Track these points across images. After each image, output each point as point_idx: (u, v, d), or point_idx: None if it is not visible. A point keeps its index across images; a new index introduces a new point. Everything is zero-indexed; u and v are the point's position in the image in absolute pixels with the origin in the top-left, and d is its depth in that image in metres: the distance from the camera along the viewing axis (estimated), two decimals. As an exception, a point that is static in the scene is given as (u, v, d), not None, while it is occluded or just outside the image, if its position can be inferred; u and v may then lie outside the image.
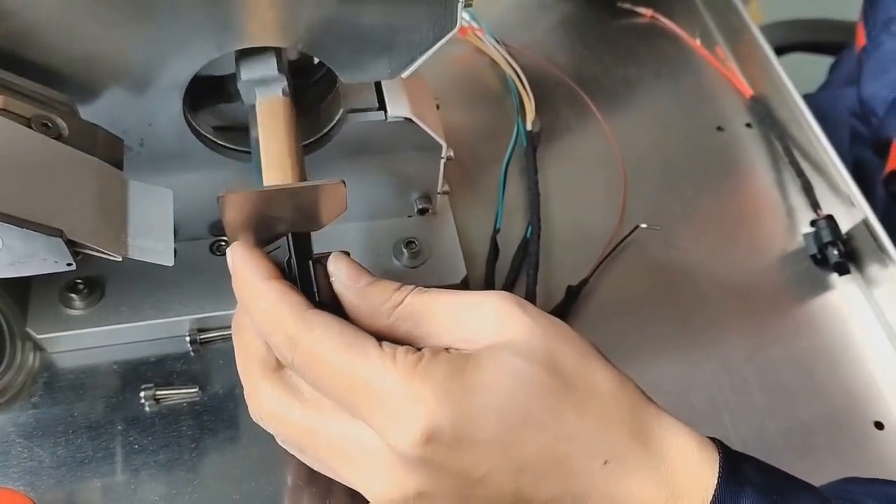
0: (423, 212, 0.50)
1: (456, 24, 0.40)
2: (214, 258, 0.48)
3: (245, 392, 0.34)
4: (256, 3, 0.37)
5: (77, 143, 0.37)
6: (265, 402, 0.33)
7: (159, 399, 0.45)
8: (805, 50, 0.95)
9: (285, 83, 0.40)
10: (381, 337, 0.32)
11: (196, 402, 0.45)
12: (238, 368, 0.34)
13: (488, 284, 0.51)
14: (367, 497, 0.31)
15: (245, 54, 0.41)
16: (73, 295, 0.45)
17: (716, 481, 0.31)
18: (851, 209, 0.56)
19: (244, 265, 0.33)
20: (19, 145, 0.35)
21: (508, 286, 0.51)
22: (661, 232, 0.54)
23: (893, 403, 0.49)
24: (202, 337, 0.46)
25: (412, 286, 0.33)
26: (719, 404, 0.48)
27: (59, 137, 0.36)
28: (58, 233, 0.34)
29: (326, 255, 0.35)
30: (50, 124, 0.36)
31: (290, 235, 0.35)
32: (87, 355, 0.46)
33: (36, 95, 0.36)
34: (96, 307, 0.46)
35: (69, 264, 0.36)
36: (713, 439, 0.32)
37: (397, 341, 0.32)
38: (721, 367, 0.50)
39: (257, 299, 0.32)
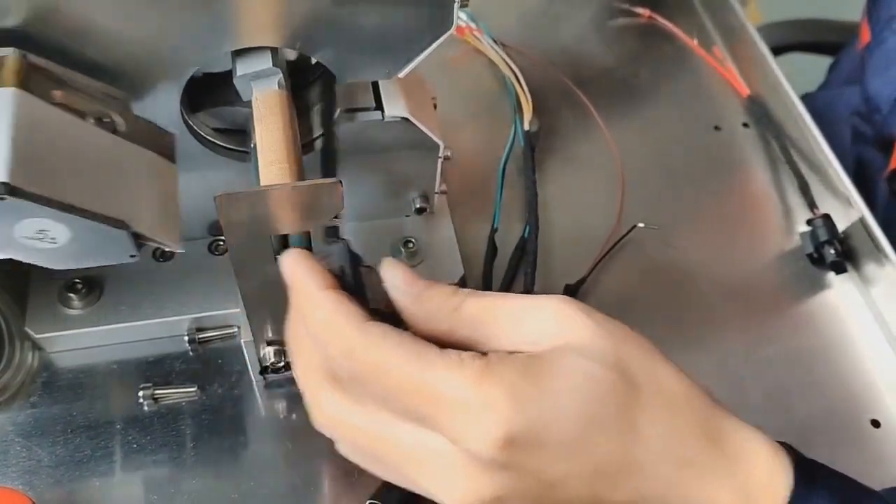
0: (420, 211, 0.50)
1: (452, 23, 0.40)
2: (213, 258, 0.48)
3: (306, 400, 0.33)
4: (254, 3, 0.38)
5: (131, 138, 0.37)
6: (328, 409, 0.32)
7: (158, 398, 0.45)
8: (803, 50, 0.95)
9: (281, 76, 0.41)
10: (440, 342, 0.31)
11: (195, 401, 0.45)
12: (297, 377, 0.34)
13: (486, 284, 0.51)
14: (442, 497, 0.30)
15: (241, 51, 0.41)
16: (71, 294, 0.45)
17: (790, 486, 0.31)
18: (848, 208, 0.56)
19: (301, 274, 0.33)
20: (83, 140, 0.36)
21: (506, 286, 0.51)
22: (658, 231, 0.55)
23: (890, 401, 0.49)
24: (201, 336, 0.46)
25: (467, 289, 0.32)
26: (716, 403, 0.48)
27: (114, 132, 0.37)
28: (124, 225, 0.35)
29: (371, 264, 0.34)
30: (106, 119, 0.37)
31: (345, 243, 0.35)
32: (86, 355, 0.46)
33: (91, 91, 0.37)
34: (95, 307, 0.46)
35: (132, 256, 0.37)
36: (783, 444, 0.32)
37: (457, 346, 0.31)
38: (718, 365, 0.50)
39: (315, 309, 0.32)
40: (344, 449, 0.35)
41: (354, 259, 0.34)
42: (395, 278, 0.33)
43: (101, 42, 0.37)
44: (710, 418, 0.31)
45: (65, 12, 0.36)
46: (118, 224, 0.35)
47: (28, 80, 0.35)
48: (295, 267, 0.33)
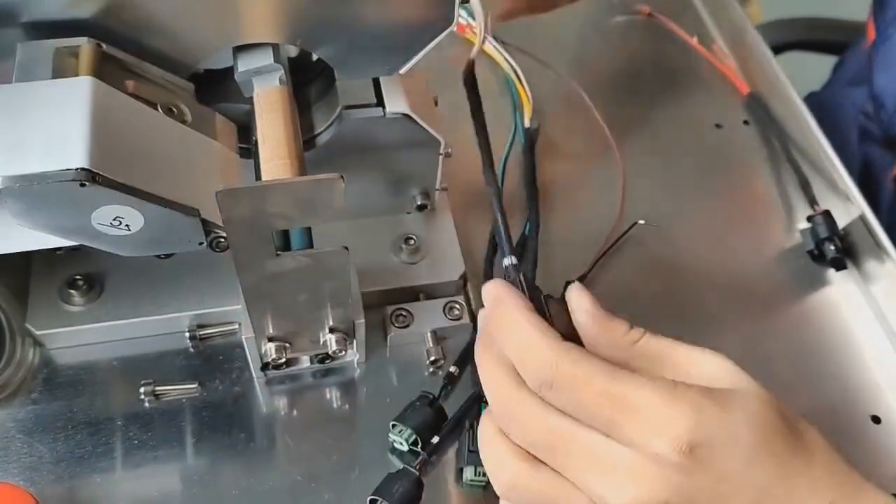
0: (421, 208, 0.50)
1: (453, 20, 0.40)
2: (214, 254, 0.48)
3: (495, 404, 0.35)
4: (255, 0, 0.38)
5: (198, 128, 0.39)
6: (520, 410, 0.34)
7: (159, 395, 0.45)
8: (804, 48, 0.95)
9: (282, 72, 0.41)
10: None
11: (195, 397, 0.45)
12: (485, 386, 0.35)
13: (487, 279, 0.51)
14: (615, 502, 0.32)
15: (242, 48, 0.41)
16: (72, 291, 0.45)
17: None
18: (849, 205, 0.56)
19: (505, 295, 0.35)
20: (155, 129, 0.37)
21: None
22: (659, 228, 0.55)
23: (890, 398, 0.49)
24: (201, 333, 0.46)
25: (642, 329, 0.35)
26: (717, 399, 0.48)
27: (182, 122, 0.38)
28: (195, 212, 0.36)
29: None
30: (175, 109, 0.38)
31: (520, 273, 0.37)
32: (87, 351, 0.46)
33: (160, 81, 0.38)
34: (96, 303, 0.46)
35: (200, 243, 0.38)
36: None
37: None
38: (719, 362, 0.50)
39: (518, 328, 0.34)
40: (524, 440, 0.35)
41: (536, 290, 0.37)
42: (584, 303, 0.35)
43: (167, 32, 0.38)
44: (853, 476, 0.34)
45: (130, 3, 0.37)
46: (191, 212, 0.36)
47: (102, 70, 0.36)
48: (500, 289, 0.36)
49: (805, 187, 0.57)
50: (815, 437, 0.35)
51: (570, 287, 0.36)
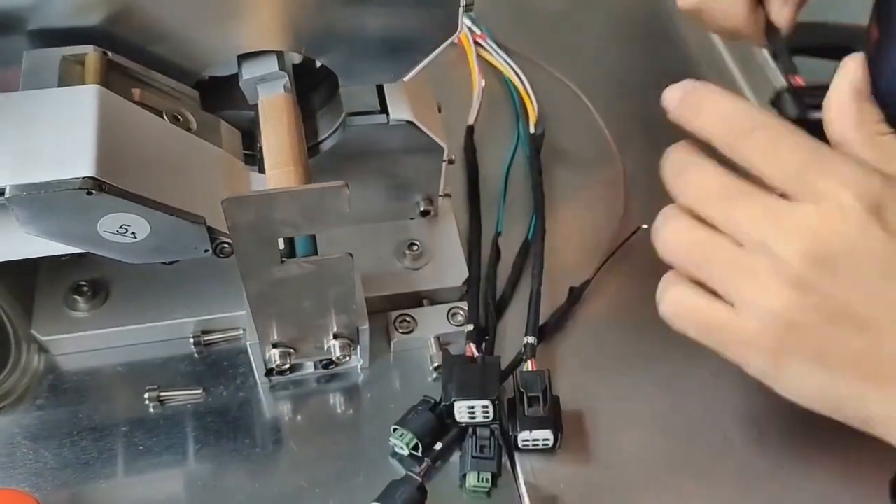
0: (424, 214, 0.50)
1: (458, 27, 0.40)
2: (218, 260, 0.48)
3: (670, 163, 0.37)
4: (260, 7, 0.38)
5: (203, 135, 0.39)
6: (698, 164, 0.36)
7: (163, 401, 0.45)
8: (805, 54, 0.95)
9: (287, 80, 0.41)
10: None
11: (200, 403, 0.45)
12: (665, 169, 0.38)
13: (490, 286, 0.51)
14: (779, 250, 0.32)
15: (247, 55, 0.41)
16: (77, 297, 0.46)
17: None
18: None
19: (702, 84, 0.37)
20: (161, 137, 0.37)
21: (510, 288, 0.51)
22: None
23: None
24: (206, 339, 0.47)
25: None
26: (720, 405, 0.48)
27: (188, 130, 0.38)
28: (201, 220, 0.36)
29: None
30: (181, 117, 0.38)
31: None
32: (92, 357, 0.46)
33: (166, 89, 0.38)
34: (101, 309, 0.46)
35: (206, 250, 0.38)
36: None
37: None
38: (721, 368, 0.49)
39: (721, 97, 0.36)
40: (677, 211, 0.37)
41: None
42: (858, 75, 0.37)
43: (172, 40, 0.38)
44: None
45: (137, 11, 0.37)
46: (197, 219, 0.36)
47: (108, 78, 0.36)
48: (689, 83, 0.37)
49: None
50: None
51: (846, 58, 0.37)
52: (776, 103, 0.37)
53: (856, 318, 0.32)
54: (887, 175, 0.32)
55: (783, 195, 0.33)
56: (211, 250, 0.38)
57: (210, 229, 0.37)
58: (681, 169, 0.37)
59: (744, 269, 0.33)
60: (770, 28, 0.48)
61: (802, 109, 0.36)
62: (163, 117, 0.37)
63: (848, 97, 0.36)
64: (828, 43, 0.96)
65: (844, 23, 0.95)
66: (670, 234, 0.37)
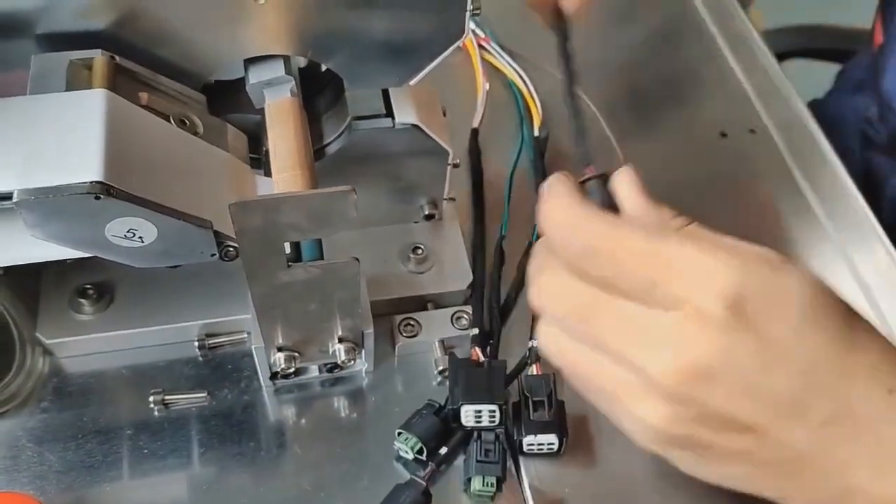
0: (429, 218, 0.50)
1: (464, 31, 0.40)
2: (223, 264, 0.48)
3: (532, 272, 0.34)
4: (266, 12, 0.38)
5: (210, 139, 0.39)
6: (557, 276, 0.33)
7: (168, 404, 0.45)
8: (806, 56, 0.96)
9: (293, 84, 0.41)
10: None
11: (205, 407, 0.45)
12: (529, 269, 0.35)
13: (494, 290, 0.51)
14: (650, 369, 0.30)
15: (253, 59, 0.41)
16: (82, 300, 0.46)
17: None
18: (855, 213, 0.56)
19: (553, 183, 0.35)
20: (168, 141, 0.37)
21: (515, 291, 0.51)
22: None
23: None
24: (211, 342, 0.47)
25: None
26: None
27: (195, 134, 0.38)
28: (209, 224, 0.36)
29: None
30: (187, 121, 0.38)
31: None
32: (97, 360, 0.46)
33: (173, 93, 0.38)
34: (105, 312, 0.46)
35: (213, 254, 0.38)
36: None
37: None
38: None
39: (557, 205, 0.33)
40: (549, 326, 0.35)
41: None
42: (631, 180, 0.35)
43: (179, 44, 0.38)
44: None
45: (145, 15, 0.37)
46: (204, 224, 0.36)
47: (116, 82, 0.36)
48: (552, 179, 0.35)
49: (809, 196, 0.57)
50: (870, 325, 0.32)
51: (618, 170, 0.35)
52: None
53: (736, 422, 0.31)
54: (737, 264, 0.30)
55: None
56: (217, 254, 0.38)
57: (217, 233, 0.37)
58: (540, 281, 0.34)
59: (618, 385, 0.32)
60: (559, 14, 0.45)
61: (605, 198, 0.35)
62: (170, 121, 0.38)
63: (639, 205, 0.34)
64: (826, 46, 0.96)
65: (843, 25, 0.96)
66: (545, 342, 0.35)
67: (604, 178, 0.36)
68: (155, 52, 0.38)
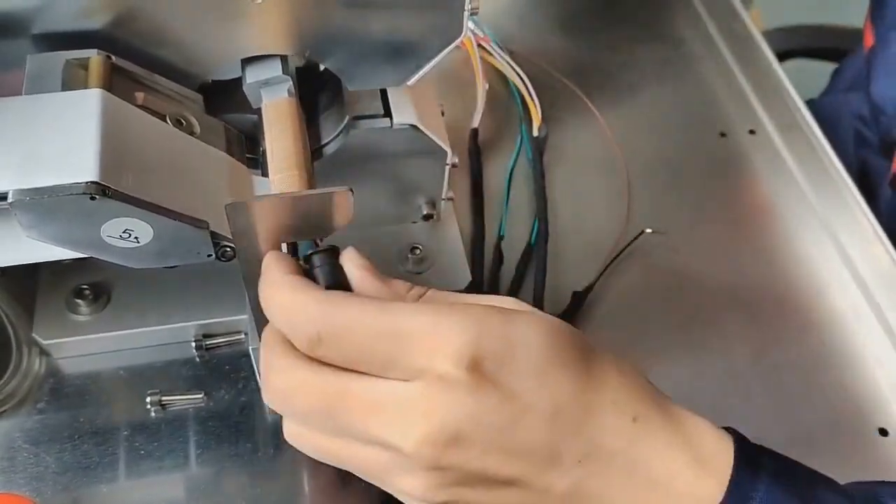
0: (427, 218, 0.50)
1: (462, 31, 0.40)
2: (220, 264, 0.48)
3: (263, 372, 0.33)
4: (264, 12, 0.38)
5: (207, 139, 0.38)
6: (290, 374, 0.31)
7: (165, 405, 0.45)
8: (806, 56, 0.95)
9: (291, 84, 0.41)
10: None
11: (202, 407, 0.45)
12: (259, 365, 0.34)
13: (492, 291, 0.51)
14: (403, 447, 0.30)
15: (251, 59, 0.41)
16: (79, 301, 0.45)
17: (733, 454, 0.31)
18: (854, 213, 0.56)
19: (270, 264, 0.34)
20: (165, 141, 0.37)
21: (513, 292, 0.51)
22: (665, 238, 0.55)
23: (897, 410, 0.49)
24: (208, 343, 0.46)
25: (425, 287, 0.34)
26: (723, 410, 0.48)
27: (191, 134, 0.38)
28: (205, 225, 0.36)
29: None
30: (184, 121, 0.38)
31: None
32: (93, 361, 0.46)
33: (169, 93, 0.38)
34: (102, 313, 0.46)
35: (209, 255, 0.37)
36: (728, 428, 0.33)
37: None
38: (725, 372, 0.50)
39: (280, 293, 0.32)
40: (296, 416, 0.33)
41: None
42: (358, 260, 0.34)
43: (176, 44, 0.38)
44: (655, 390, 0.33)
45: (141, 14, 0.37)
46: (200, 224, 0.36)
47: (112, 82, 0.36)
48: (266, 261, 0.34)
49: (810, 196, 0.57)
50: (609, 355, 0.33)
51: (345, 251, 0.34)
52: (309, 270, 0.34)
53: (498, 478, 0.31)
54: (469, 323, 0.30)
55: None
56: (214, 255, 0.37)
57: (214, 234, 0.37)
58: (274, 382, 0.32)
59: (378, 466, 0.32)
60: None
61: (332, 273, 0.34)
62: (166, 121, 0.37)
63: (370, 282, 0.33)
64: (828, 46, 0.96)
65: (843, 25, 0.96)
66: (297, 444, 0.34)
67: (330, 252, 0.34)
68: (152, 52, 0.38)
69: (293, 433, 0.34)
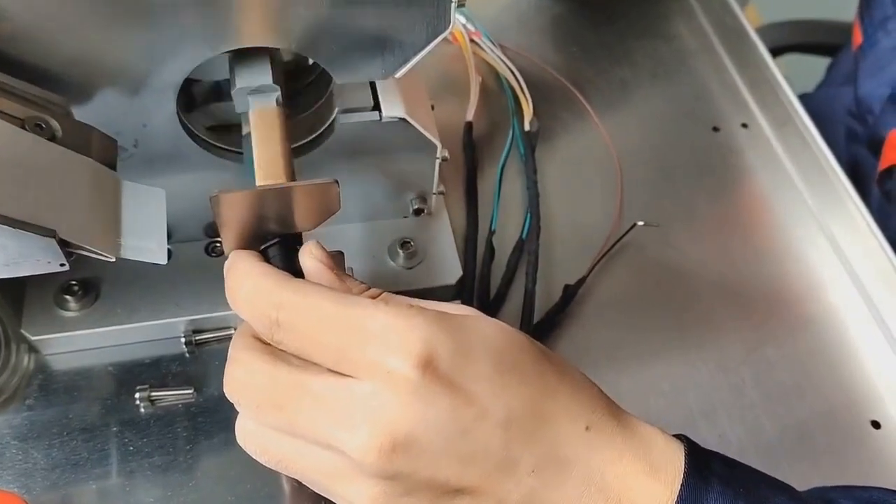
0: (418, 212, 0.50)
1: (449, 24, 0.40)
2: (209, 259, 0.48)
3: (227, 364, 0.33)
4: (250, 3, 0.37)
5: (71, 144, 0.36)
6: (248, 365, 0.31)
7: (154, 400, 0.45)
8: (801, 51, 0.95)
9: (279, 93, 0.40)
10: None
11: (191, 403, 0.45)
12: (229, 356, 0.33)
13: (484, 285, 0.51)
14: (350, 449, 0.29)
15: (240, 61, 0.41)
16: (67, 296, 0.45)
17: (684, 461, 0.31)
18: (847, 207, 0.56)
19: (233, 261, 0.34)
20: (13, 146, 0.35)
21: (504, 286, 0.51)
22: (657, 232, 0.54)
23: (890, 402, 0.49)
24: (197, 338, 0.46)
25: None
26: (716, 404, 0.48)
27: (52, 138, 0.36)
28: (51, 233, 0.34)
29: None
30: (44, 125, 0.36)
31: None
32: (82, 357, 0.46)
33: (29, 96, 0.36)
34: (91, 309, 0.45)
35: (62, 265, 0.36)
36: (679, 435, 0.33)
37: None
38: (717, 366, 0.50)
39: (245, 279, 0.32)
40: (246, 421, 0.33)
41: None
42: (319, 254, 0.34)
43: (46, 47, 0.37)
44: (606, 398, 0.32)
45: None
46: (46, 232, 0.34)
47: None
48: (232, 257, 0.34)
49: (802, 191, 0.57)
50: (564, 362, 0.32)
51: (305, 244, 0.34)
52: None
53: (449, 486, 0.30)
54: (424, 323, 0.30)
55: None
56: (68, 265, 0.36)
57: (65, 242, 0.35)
58: (232, 372, 0.32)
59: (325, 471, 0.31)
60: None
61: (289, 266, 0.34)
62: (24, 127, 0.35)
63: (333, 279, 0.33)
64: (823, 41, 0.96)
65: (837, 20, 0.96)
66: (245, 442, 0.33)
67: (284, 244, 0.35)
68: (13, 55, 0.36)
69: (244, 431, 0.33)
